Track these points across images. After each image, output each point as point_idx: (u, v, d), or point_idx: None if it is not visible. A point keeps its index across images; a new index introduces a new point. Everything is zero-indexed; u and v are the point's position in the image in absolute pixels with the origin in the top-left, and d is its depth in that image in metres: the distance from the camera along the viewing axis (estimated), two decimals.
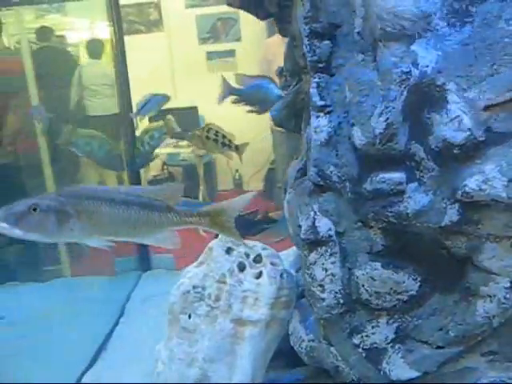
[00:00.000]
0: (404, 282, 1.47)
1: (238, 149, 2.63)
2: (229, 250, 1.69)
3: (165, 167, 7.05)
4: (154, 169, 6.91)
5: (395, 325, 1.51)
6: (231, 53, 6.93)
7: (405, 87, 1.30)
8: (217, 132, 2.63)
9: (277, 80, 2.28)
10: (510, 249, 1.39)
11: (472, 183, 1.30)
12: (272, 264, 1.68)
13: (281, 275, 1.67)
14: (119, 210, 1.06)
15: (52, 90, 4.50)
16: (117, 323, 2.24)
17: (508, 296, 1.41)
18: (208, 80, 7.00)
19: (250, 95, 2.43)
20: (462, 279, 1.46)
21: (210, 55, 7.05)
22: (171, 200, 1.11)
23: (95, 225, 1.06)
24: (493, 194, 1.30)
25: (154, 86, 4.82)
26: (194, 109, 6.42)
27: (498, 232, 1.37)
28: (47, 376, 1.80)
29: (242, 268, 1.67)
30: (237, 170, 7.09)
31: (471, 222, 1.37)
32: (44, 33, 4.95)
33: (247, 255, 1.69)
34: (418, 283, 1.48)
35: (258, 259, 1.69)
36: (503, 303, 1.41)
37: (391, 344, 1.51)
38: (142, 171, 4.87)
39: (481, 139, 1.30)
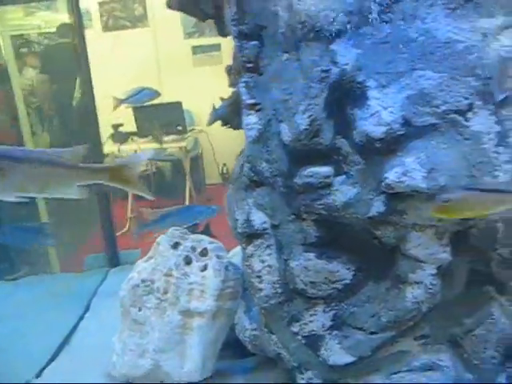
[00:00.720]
0: (338, 271, 1.53)
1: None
2: (176, 245, 1.75)
3: (153, 162, 7.10)
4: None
5: (332, 312, 1.57)
6: (216, 47, 6.97)
7: (325, 85, 1.36)
8: None
9: None
10: (434, 237, 1.46)
11: (392, 175, 1.36)
12: (217, 257, 1.74)
13: (226, 268, 1.73)
14: (31, 167, 1.15)
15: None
16: (82, 318, 2.30)
17: (434, 282, 1.48)
18: (194, 74, 7.06)
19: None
20: (393, 267, 1.53)
21: (196, 49, 7.08)
22: (75, 159, 1.20)
23: (9, 181, 1.14)
24: (412, 185, 1.36)
25: (140, 80, 4.85)
26: (178, 104, 6.47)
27: (422, 221, 1.44)
28: (6, 370, 1.86)
29: (188, 261, 1.73)
30: (224, 164, 7.13)
31: (397, 212, 1.43)
32: (64, 29, 5.02)
33: (194, 249, 1.75)
34: (352, 272, 1.54)
35: (204, 253, 1.75)
36: (430, 289, 1.48)
37: (328, 331, 1.57)
38: None
39: (400, 133, 1.37)
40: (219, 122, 2.24)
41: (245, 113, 1.48)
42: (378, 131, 1.35)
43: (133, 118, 5.50)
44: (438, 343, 1.58)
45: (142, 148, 5.65)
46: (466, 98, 1.38)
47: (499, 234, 1.46)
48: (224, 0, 1.47)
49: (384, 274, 1.55)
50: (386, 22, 1.37)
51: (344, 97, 1.38)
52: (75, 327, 2.26)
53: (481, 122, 1.41)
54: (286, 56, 1.41)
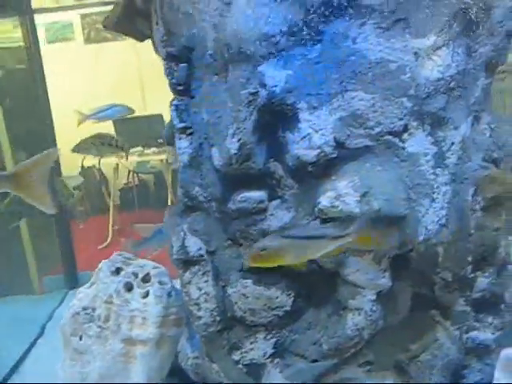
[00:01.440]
0: (277, 298, 1.49)
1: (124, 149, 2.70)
2: (117, 271, 1.70)
3: (135, 175, 7.04)
4: (124, 177, 6.91)
5: (273, 340, 1.52)
6: None
7: (254, 108, 1.32)
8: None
9: None
10: (372, 262, 1.42)
11: (325, 200, 1.32)
12: (160, 283, 1.68)
13: (168, 294, 1.68)
14: None
15: None
16: (34, 343, 2.23)
17: (374, 308, 1.43)
18: None
19: None
20: (334, 293, 1.48)
21: None
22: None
23: None
24: (345, 210, 1.32)
25: (123, 93, 4.80)
26: (159, 116, 6.42)
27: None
28: None
29: (129, 288, 1.68)
30: None
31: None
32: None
33: (136, 275, 1.69)
34: (292, 298, 1.50)
35: (146, 278, 1.70)
36: (370, 315, 1.43)
37: (270, 359, 1.52)
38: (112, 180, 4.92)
39: (332, 156, 1.33)
40: None
41: (176, 137, 1.44)
42: (309, 155, 1.32)
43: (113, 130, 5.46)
44: (382, 370, 1.54)
45: (123, 161, 5.59)
46: (401, 119, 1.35)
47: (440, 258, 1.42)
48: (153, 21, 1.43)
49: (325, 300, 1.50)
50: (318, 42, 1.34)
51: (275, 119, 1.34)
52: (26, 353, 2.19)
53: (417, 143, 1.38)
54: (215, 78, 1.36)
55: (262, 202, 1.39)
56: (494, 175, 1.38)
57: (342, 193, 1.32)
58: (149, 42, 1.70)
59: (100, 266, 1.72)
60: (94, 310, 1.68)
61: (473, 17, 1.35)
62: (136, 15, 1.49)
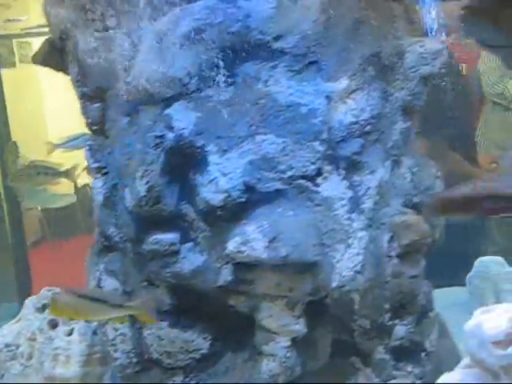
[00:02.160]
0: (193, 341, 1.46)
1: (68, 174, 2.67)
2: (44, 307, 1.69)
3: None
4: None
5: (192, 383, 1.50)
6: None
7: (161, 150, 1.30)
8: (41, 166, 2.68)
9: None
10: (285, 308, 1.39)
11: (231, 245, 1.30)
12: (85, 321, 1.67)
13: (93, 332, 1.66)
14: None
15: None
16: None
17: (288, 355, 1.40)
18: None
19: None
20: (251, 338, 1.46)
21: None
22: None
23: None
24: (253, 255, 1.29)
25: None
26: None
27: (272, 291, 1.37)
28: None
29: (53, 325, 1.66)
30: None
31: (245, 281, 1.37)
32: None
33: None
34: (209, 341, 1.47)
35: None
36: (284, 362, 1.40)
37: None
38: None
39: (240, 200, 1.31)
40: None
41: (92, 176, 1.43)
42: (216, 199, 1.30)
43: None
44: None
45: None
46: (313, 163, 1.33)
47: (356, 305, 1.39)
48: (69, 60, 1.43)
49: (242, 345, 1.48)
50: (230, 85, 1.33)
51: (185, 162, 1.33)
52: None
53: (332, 187, 1.36)
54: (127, 119, 1.36)
55: (173, 244, 1.37)
56: (410, 221, 1.36)
57: (249, 238, 1.29)
58: None
59: (25, 302, 1.71)
60: (17, 347, 1.67)
61: (386, 62, 1.34)
62: (58, 52, 1.49)
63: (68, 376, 1.64)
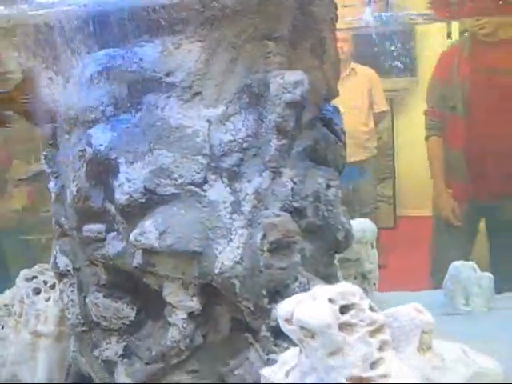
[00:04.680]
0: (123, 310, 1.91)
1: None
2: (32, 278, 2.23)
3: None
4: None
5: (123, 344, 1.94)
6: None
7: (84, 161, 1.76)
8: None
9: None
10: (181, 287, 1.79)
11: (132, 235, 1.73)
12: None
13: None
14: None
15: None
16: None
17: (185, 325, 1.80)
18: None
19: None
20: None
21: None
22: None
23: None
24: (147, 244, 1.71)
25: None
26: None
27: (170, 273, 1.78)
28: None
29: (37, 292, 2.20)
30: None
31: (150, 264, 1.79)
32: None
33: (45, 282, 2.21)
34: (135, 311, 1.91)
35: (53, 286, 2.21)
36: (182, 331, 1.81)
37: (120, 358, 1.95)
38: None
39: (141, 201, 1.73)
40: None
41: (48, 178, 1.93)
42: (123, 199, 1.73)
43: None
44: (206, 378, 1.89)
45: None
46: (199, 173, 1.72)
47: (237, 289, 1.74)
48: None
49: (159, 315, 1.90)
50: (138, 111, 1.75)
51: (105, 170, 1.77)
52: None
53: (216, 192, 1.74)
54: (66, 136, 1.83)
55: (100, 233, 1.83)
56: (276, 222, 1.69)
57: (146, 230, 1.72)
58: None
59: (20, 272, 2.27)
60: (12, 306, 2.24)
61: (257, 91, 1.68)
62: None
63: (46, 332, 2.18)
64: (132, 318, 1.93)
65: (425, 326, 1.46)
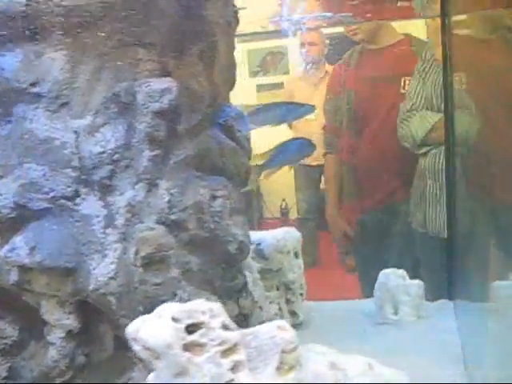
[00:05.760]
0: (5, 329, 1.86)
1: None
2: None
3: None
4: None
5: (7, 365, 1.89)
6: (279, 85, 7.43)
7: None
8: None
9: None
10: (57, 305, 1.74)
11: (2, 252, 1.69)
12: None
13: None
14: None
15: None
16: None
17: (64, 344, 1.75)
18: None
19: None
20: None
21: (260, 87, 7.64)
22: None
23: None
24: (18, 260, 1.67)
25: None
26: None
27: (45, 290, 1.73)
28: None
29: None
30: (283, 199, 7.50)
31: (26, 281, 1.74)
32: None
33: None
34: (18, 331, 1.86)
35: None
36: (60, 350, 1.76)
37: (5, 380, 1.90)
38: None
39: (10, 216, 1.68)
40: None
41: None
42: None
43: None
44: None
45: None
46: (69, 186, 1.68)
47: (114, 306, 1.70)
48: None
49: (42, 334, 1.85)
50: (8, 123, 1.71)
51: None
52: None
53: (89, 206, 1.70)
54: None
55: None
56: (147, 236, 1.65)
57: (16, 246, 1.67)
58: None
59: None
60: None
61: (125, 100, 1.64)
62: None
63: None
64: (15, 338, 1.88)
65: (285, 345, 1.41)
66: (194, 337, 1.33)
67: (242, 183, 2.10)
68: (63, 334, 1.76)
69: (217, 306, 1.41)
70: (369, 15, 3.46)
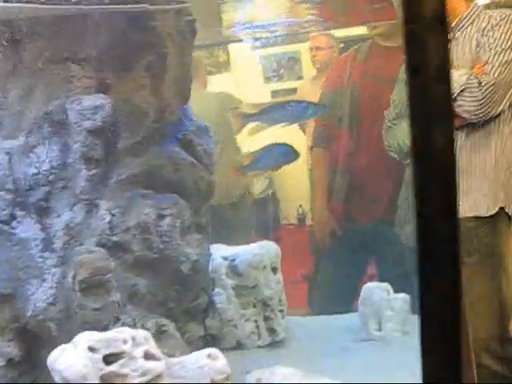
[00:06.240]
0: None
1: None
2: None
3: None
4: None
5: None
6: (293, 90, 7.41)
7: None
8: None
9: None
10: None
11: None
12: None
13: None
14: None
15: None
16: None
17: (5, 373, 1.69)
18: None
19: None
20: None
21: (274, 93, 7.64)
22: None
23: None
24: None
25: None
26: None
27: None
28: None
29: None
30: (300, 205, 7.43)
31: None
32: None
33: None
34: None
35: None
36: (2, 379, 1.70)
37: None
38: None
39: None
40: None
41: None
42: None
43: None
44: None
45: None
46: (4, 209, 1.62)
47: (54, 333, 1.64)
48: None
49: None
50: None
51: None
52: None
53: (26, 229, 1.65)
54: None
55: None
56: (84, 260, 1.58)
57: None
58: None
59: None
60: None
61: (57, 119, 1.59)
62: None
63: None
64: None
65: (215, 375, 1.33)
66: (114, 367, 1.26)
67: (204, 198, 2.02)
68: (3, 363, 1.71)
69: (141, 333, 1.33)
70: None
